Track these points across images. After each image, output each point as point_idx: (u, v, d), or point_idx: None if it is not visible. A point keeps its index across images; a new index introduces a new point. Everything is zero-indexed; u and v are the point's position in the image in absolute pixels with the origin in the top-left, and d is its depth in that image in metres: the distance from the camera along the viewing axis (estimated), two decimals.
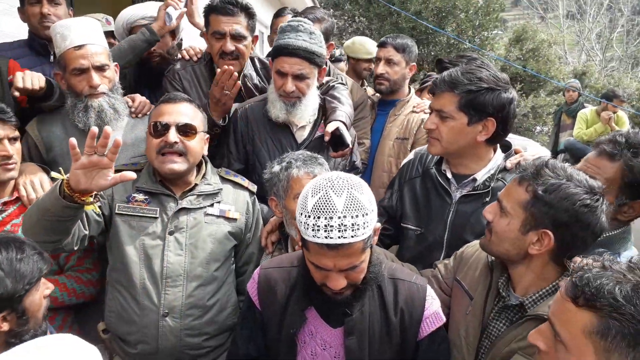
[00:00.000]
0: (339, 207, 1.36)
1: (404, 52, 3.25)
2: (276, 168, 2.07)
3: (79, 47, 2.22)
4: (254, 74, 2.80)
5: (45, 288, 1.58)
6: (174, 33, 2.92)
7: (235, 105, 2.63)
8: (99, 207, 1.94)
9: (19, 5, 2.75)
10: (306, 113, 2.44)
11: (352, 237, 1.36)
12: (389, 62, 3.24)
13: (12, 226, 2.09)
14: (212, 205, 2.11)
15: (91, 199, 1.71)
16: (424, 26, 11.68)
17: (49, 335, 1.15)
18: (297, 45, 2.30)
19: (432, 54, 12.37)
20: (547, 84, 14.28)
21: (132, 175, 1.72)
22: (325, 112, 2.57)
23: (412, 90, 3.45)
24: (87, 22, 2.35)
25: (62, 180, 1.66)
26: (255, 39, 2.75)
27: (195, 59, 2.82)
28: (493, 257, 1.71)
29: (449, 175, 2.04)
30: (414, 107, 3.27)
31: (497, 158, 2.02)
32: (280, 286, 1.67)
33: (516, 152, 2.07)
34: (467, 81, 1.88)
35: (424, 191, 2.09)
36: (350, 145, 2.41)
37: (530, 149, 2.16)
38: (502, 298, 1.64)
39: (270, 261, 1.83)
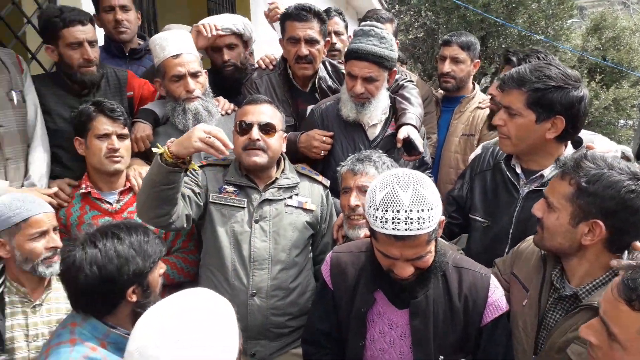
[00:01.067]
0: (405, 201, 1.49)
1: (468, 49, 3.31)
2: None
3: (176, 56, 2.55)
4: (327, 77, 2.99)
5: (160, 267, 1.76)
6: (246, 44, 3.14)
7: (310, 107, 2.84)
8: (198, 193, 2.20)
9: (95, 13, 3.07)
10: (375, 113, 2.61)
11: (418, 229, 1.49)
12: (455, 60, 3.31)
13: (129, 213, 2.39)
14: (291, 197, 2.32)
15: (185, 165, 1.95)
16: (492, 20, 11.39)
17: (189, 289, 1.33)
18: (366, 50, 2.46)
19: (503, 46, 12.00)
20: (630, 75, 13.44)
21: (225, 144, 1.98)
22: (395, 112, 2.71)
23: (477, 87, 3.49)
24: (181, 34, 2.67)
25: (162, 153, 1.91)
26: (327, 43, 2.95)
27: (270, 67, 3.06)
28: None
29: (518, 170, 2.08)
30: (479, 103, 3.31)
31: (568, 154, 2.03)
32: (350, 269, 1.84)
33: (588, 148, 2.05)
34: (535, 79, 1.90)
35: (494, 184, 2.14)
36: (422, 151, 2.53)
37: (597, 144, 2.16)
38: (557, 289, 1.68)
39: (341, 246, 2.01)
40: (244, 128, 2.25)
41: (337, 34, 3.50)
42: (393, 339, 1.76)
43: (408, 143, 2.45)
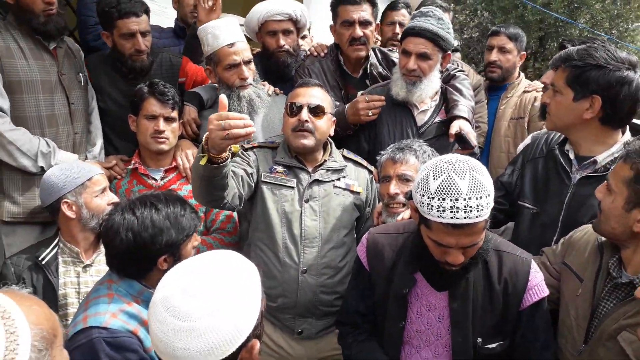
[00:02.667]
0: (463, 189, 1.44)
1: (516, 40, 3.33)
2: None
3: (231, 45, 2.61)
4: (377, 63, 3.01)
5: (194, 240, 1.80)
6: (299, 31, 3.18)
7: (360, 93, 2.86)
8: (250, 173, 2.25)
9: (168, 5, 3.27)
10: (425, 93, 2.60)
11: (477, 217, 1.45)
12: (502, 50, 3.33)
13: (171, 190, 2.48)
14: (339, 179, 2.35)
15: (227, 154, 1.86)
16: (552, 18, 11.00)
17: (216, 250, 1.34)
18: (423, 27, 2.49)
19: None
20: None
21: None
22: (446, 101, 2.69)
23: (522, 74, 3.49)
24: (233, 22, 2.74)
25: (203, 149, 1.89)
26: (377, 26, 2.97)
27: (322, 54, 3.09)
28: (603, 239, 1.70)
29: (572, 156, 2.02)
30: (525, 87, 3.31)
31: (624, 141, 1.96)
32: (388, 250, 1.82)
33: None
34: (578, 57, 1.89)
35: (545, 171, 2.10)
36: (475, 144, 2.50)
37: None
38: (613, 278, 1.63)
39: (377, 228, 1.99)
40: (294, 110, 2.29)
41: (402, 25, 3.50)
42: (430, 320, 1.75)
43: (460, 137, 2.43)
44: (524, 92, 3.30)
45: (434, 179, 1.49)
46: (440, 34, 2.50)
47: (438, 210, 1.47)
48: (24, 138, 2.39)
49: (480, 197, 1.45)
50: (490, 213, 1.51)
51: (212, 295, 1.05)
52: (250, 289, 1.13)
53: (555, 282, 1.86)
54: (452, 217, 1.45)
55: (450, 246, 1.54)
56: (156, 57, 2.87)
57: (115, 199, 2.22)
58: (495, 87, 3.46)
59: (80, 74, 2.68)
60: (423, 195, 1.51)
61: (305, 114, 2.25)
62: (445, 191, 1.46)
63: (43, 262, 2.14)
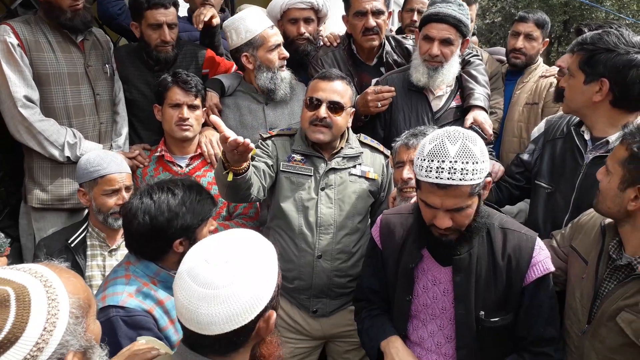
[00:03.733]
0: (451, 152, 1.54)
1: (542, 27, 3.30)
2: None
3: (272, 26, 2.74)
4: (392, 51, 3.05)
5: (210, 224, 1.82)
6: (319, 21, 3.23)
7: (374, 81, 2.90)
8: (271, 165, 2.33)
9: None
10: (446, 79, 2.64)
11: (460, 180, 1.54)
12: (528, 37, 3.29)
13: (196, 177, 2.58)
14: (354, 166, 2.39)
15: (247, 163, 1.97)
16: (578, 2, 10.76)
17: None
18: (446, 13, 2.52)
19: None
20: None
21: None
22: (462, 87, 2.72)
23: (540, 58, 3.46)
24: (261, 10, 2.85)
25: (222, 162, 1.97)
26: (389, 14, 3.00)
27: (335, 44, 3.14)
28: (606, 222, 1.75)
29: (587, 137, 2.08)
30: (543, 72, 3.29)
31: None
32: (399, 229, 1.90)
33: None
34: (589, 41, 1.94)
35: (562, 151, 2.15)
36: (491, 133, 2.55)
37: None
38: (613, 260, 1.67)
39: (391, 209, 2.08)
40: (313, 104, 2.32)
41: (420, 12, 3.53)
42: (436, 294, 1.81)
43: (472, 129, 2.47)
44: (541, 77, 3.28)
45: (429, 143, 1.60)
46: (462, 19, 2.54)
47: (426, 171, 1.58)
48: (52, 129, 2.51)
49: (467, 162, 1.54)
50: (479, 182, 1.59)
51: (233, 265, 1.12)
52: (268, 262, 1.20)
53: (563, 265, 1.90)
54: (437, 177, 1.56)
55: (436, 206, 1.62)
56: (181, 49, 2.97)
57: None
58: (512, 71, 3.44)
59: (107, 65, 2.78)
60: (417, 158, 1.62)
61: (323, 111, 2.28)
62: (435, 153, 1.57)
63: (72, 245, 2.27)
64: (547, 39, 3.37)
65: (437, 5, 2.56)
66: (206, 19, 2.94)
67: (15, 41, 2.44)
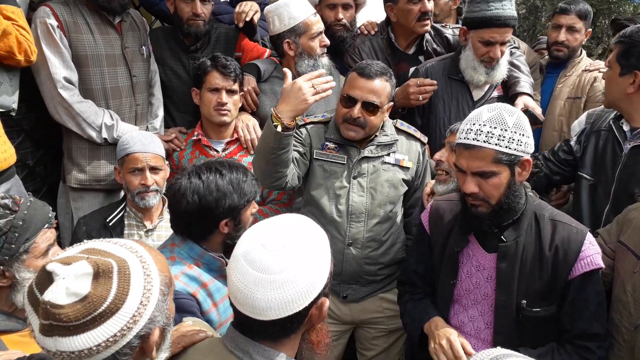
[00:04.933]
0: (484, 117, 1.63)
1: (585, 19, 3.22)
2: None
3: (315, 14, 2.75)
4: (432, 39, 3.04)
5: (253, 207, 1.87)
6: (357, 7, 3.21)
7: (412, 69, 2.89)
8: (304, 153, 2.35)
9: None
10: (503, 72, 2.68)
11: (484, 142, 1.61)
12: (571, 29, 3.22)
13: None
14: (388, 154, 2.38)
15: (294, 122, 2.09)
16: None
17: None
18: (507, 16, 2.53)
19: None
20: None
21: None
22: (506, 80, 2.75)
23: (583, 51, 3.39)
24: None
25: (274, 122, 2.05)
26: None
27: (372, 32, 3.11)
28: None
29: (626, 128, 2.11)
30: (586, 66, 3.24)
31: None
32: (447, 215, 1.93)
33: None
34: (628, 34, 2.02)
35: (605, 143, 2.17)
36: (543, 119, 2.59)
37: None
38: None
39: (443, 196, 2.10)
40: (348, 101, 2.27)
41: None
42: (479, 280, 1.82)
43: (527, 113, 2.47)
44: (584, 70, 3.21)
45: (474, 111, 1.71)
46: (516, 16, 2.55)
47: (459, 133, 1.69)
48: (90, 110, 2.55)
49: (494, 127, 1.61)
50: (511, 152, 1.61)
51: (290, 251, 1.13)
52: (323, 248, 1.21)
53: (610, 262, 1.88)
54: (464, 138, 1.66)
55: (463, 168, 1.69)
56: (214, 30, 2.99)
57: (149, 182, 2.32)
58: (554, 64, 3.37)
59: (144, 47, 2.80)
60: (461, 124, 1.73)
61: (357, 111, 2.23)
62: (471, 118, 1.68)
63: (110, 224, 2.33)
64: (590, 30, 3.28)
65: (490, 5, 2.51)
66: (248, 18, 2.93)
67: (54, 22, 2.47)
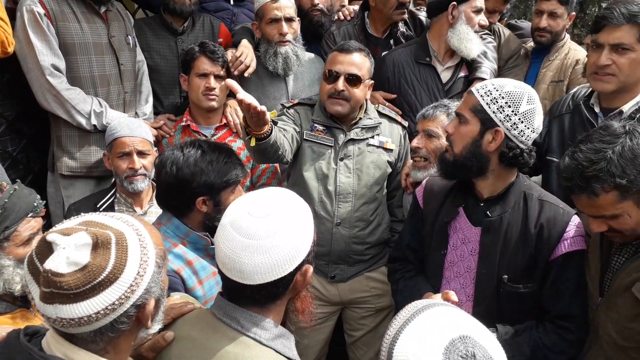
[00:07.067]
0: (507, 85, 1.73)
1: (567, 4, 3.23)
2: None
3: (275, 0, 2.73)
4: (401, 24, 3.08)
5: (238, 192, 1.87)
6: None
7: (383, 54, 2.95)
8: (298, 132, 2.39)
9: None
10: (480, 44, 2.76)
11: (476, 91, 1.75)
12: (552, 15, 3.24)
13: None
14: (373, 137, 2.45)
15: (266, 128, 1.98)
16: None
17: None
18: None
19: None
20: None
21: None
22: (471, 60, 2.79)
23: (567, 35, 3.42)
24: None
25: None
26: None
27: (349, 18, 3.17)
28: None
29: (597, 109, 2.11)
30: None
31: None
32: (441, 190, 1.98)
33: None
34: None
35: (572, 125, 2.17)
36: None
37: None
38: None
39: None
40: (331, 76, 2.35)
41: None
42: (463, 253, 1.87)
43: None
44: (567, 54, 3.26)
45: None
46: None
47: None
48: (78, 97, 2.56)
49: (495, 88, 1.71)
50: (489, 115, 1.70)
51: (275, 218, 1.18)
52: (306, 217, 1.26)
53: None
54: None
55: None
56: (198, 18, 3.06)
57: (137, 166, 2.35)
58: (539, 50, 3.39)
59: (129, 36, 2.83)
60: None
61: (341, 84, 2.31)
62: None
63: (101, 210, 2.35)
64: (574, 14, 3.31)
65: None
66: (247, 73, 2.77)
67: (42, 10, 2.47)
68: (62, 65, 2.54)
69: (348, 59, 2.34)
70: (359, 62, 2.35)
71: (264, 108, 1.87)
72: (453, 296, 1.37)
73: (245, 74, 2.74)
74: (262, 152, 2.07)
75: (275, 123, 2.16)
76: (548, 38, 3.27)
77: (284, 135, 2.23)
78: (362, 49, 2.41)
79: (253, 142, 1.99)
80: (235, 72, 2.71)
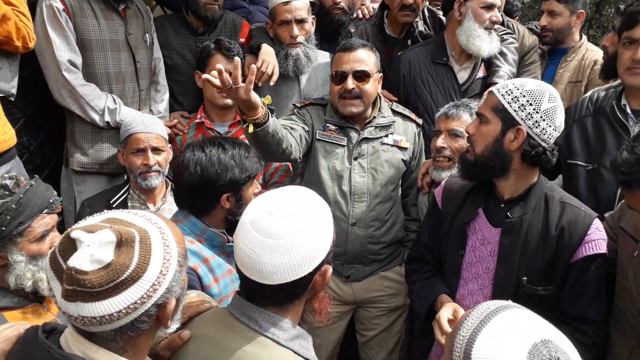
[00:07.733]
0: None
1: (566, 2, 3.24)
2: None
3: (286, 2, 2.71)
4: (420, 23, 3.05)
5: (255, 187, 1.90)
6: None
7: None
8: (307, 131, 2.36)
9: None
10: (497, 44, 2.71)
11: (498, 90, 1.75)
12: (551, 13, 3.27)
13: None
14: (387, 135, 2.42)
15: (261, 112, 1.92)
16: None
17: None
18: None
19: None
20: None
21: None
22: (489, 62, 2.77)
23: (584, 37, 3.42)
24: None
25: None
26: None
27: (367, 17, 3.14)
28: None
29: (629, 110, 2.08)
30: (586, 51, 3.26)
31: None
32: (460, 190, 1.95)
33: None
34: None
35: (597, 128, 2.14)
36: None
37: None
38: None
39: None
40: (339, 77, 2.32)
41: None
42: (482, 254, 1.85)
43: None
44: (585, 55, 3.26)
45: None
46: None
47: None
48: (93, 93, 2.57)
49: (516, 87, 1.70)
50: (512, 114, 1.69)
51: (296, 217, 1.16)
52: (326, 217, 1.25)
53: (615, 247, 1.88)
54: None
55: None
56: (221, 18, 3.03)
57: (151, 162, 2.35)
58: (555, 50, 3.40)
59: (147, 34, 2.83)
60: None
61: (350, 82, 2.28)
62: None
63: (114, 206, 2.35)
64: (582, 11, 3.30)
65: None
66: (271, 82, 2.73)
67: (60, 6, 2.48)
68: (78, 61, 2.55)
69: (352, 56, 2.31)
70: (364, 58, 2.32)
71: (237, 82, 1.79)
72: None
73: (271, 83, 2.71)
74: (264, 143, 2.01)
75: (272, 111, 2.14)
76: (551, 37, 3.31)
77: (291, 133, 2.21)
78: (365, 45, 2.37)
79: (251, 129, 1.94)
80: (260, 84, 2.68)
